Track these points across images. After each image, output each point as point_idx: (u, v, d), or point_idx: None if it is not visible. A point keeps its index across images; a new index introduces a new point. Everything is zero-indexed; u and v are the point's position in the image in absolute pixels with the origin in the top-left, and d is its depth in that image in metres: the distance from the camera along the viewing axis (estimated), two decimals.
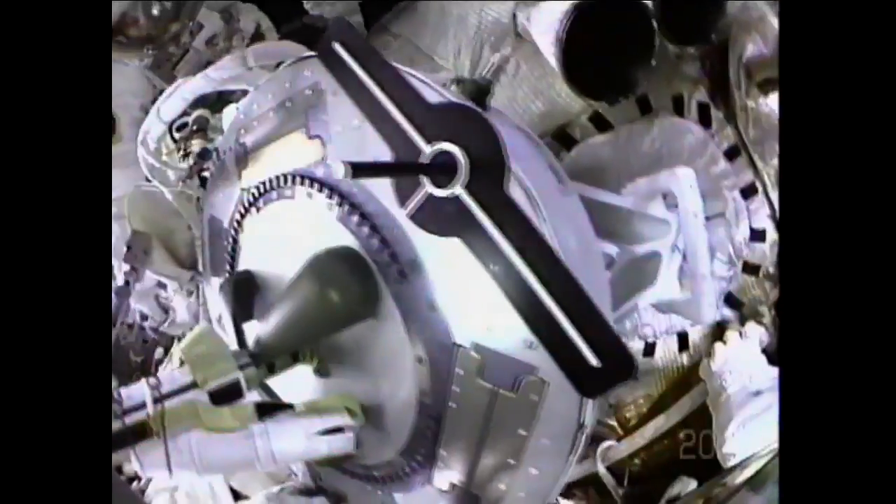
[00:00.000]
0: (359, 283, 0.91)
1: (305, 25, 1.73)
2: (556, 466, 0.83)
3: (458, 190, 0.76)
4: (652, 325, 1.39)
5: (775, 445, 1.12)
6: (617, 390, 1.41)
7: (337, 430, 0.92)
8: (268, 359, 0.94)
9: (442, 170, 0.77)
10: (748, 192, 1.45)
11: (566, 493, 1.51)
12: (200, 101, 1.10)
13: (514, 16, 1.29)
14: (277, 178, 1.01)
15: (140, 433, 0.75)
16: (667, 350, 1.42)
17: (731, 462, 1.22)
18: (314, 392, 1.02)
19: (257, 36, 1.64)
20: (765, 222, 1.45)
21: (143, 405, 0.76)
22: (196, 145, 1.07)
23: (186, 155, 1.08)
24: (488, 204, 0.75)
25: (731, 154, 1.44)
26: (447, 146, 0.77)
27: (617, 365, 0.71)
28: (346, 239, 0.93)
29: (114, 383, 0.78)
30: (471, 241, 0.77)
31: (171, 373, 0.84)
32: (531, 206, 0.77)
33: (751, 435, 1.19)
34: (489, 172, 0.75)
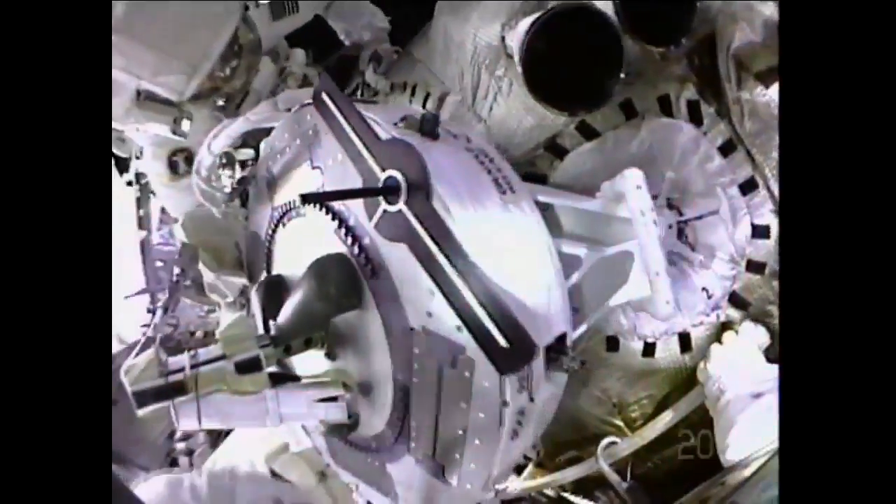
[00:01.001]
0: (347, 280, 1.14)
1: (342, 56, 2.04)
2: (492, 439, 0.99)
3: (400, 206, 0.97)
4: (651, 325, 1.44)
5: (775, 444, 1.12)
6: (617, 389, 1.49)
7: (333, 399, 1.17)
8: (283, 341, 1.20)
9: (389, 191, 0.99)
10: (747, 188, 1.44)
11: (589, 495, 1.58)
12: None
13: (503, 38, 1.43)
14: (294, 200, 1.28)
15: (179, 390, 1.04)
16: (668, 351, 1.45)
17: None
18: (319, 370, 1.27)
19: (306, 82, 1.95)
20: (768, 218, 1.44)
21: (182, 369, 1.06)
22: (225, 177, 1.38)
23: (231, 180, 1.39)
24: (421, 216, 0.95)
25: (725, 149, 1.44)
26: (392, 172, 0.98)
27: (521, 346, 0.86)
28: (339, 247, 1.17)
29: (162, 355, 1.07)
30: (413, 245, 0.98)
31: (208, 347, 1.14)
32: (448, 215, 0.95)
33: (752, 439, 1.18)
34: (420, 191, 0.95)
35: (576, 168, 1.44)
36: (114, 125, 1.60)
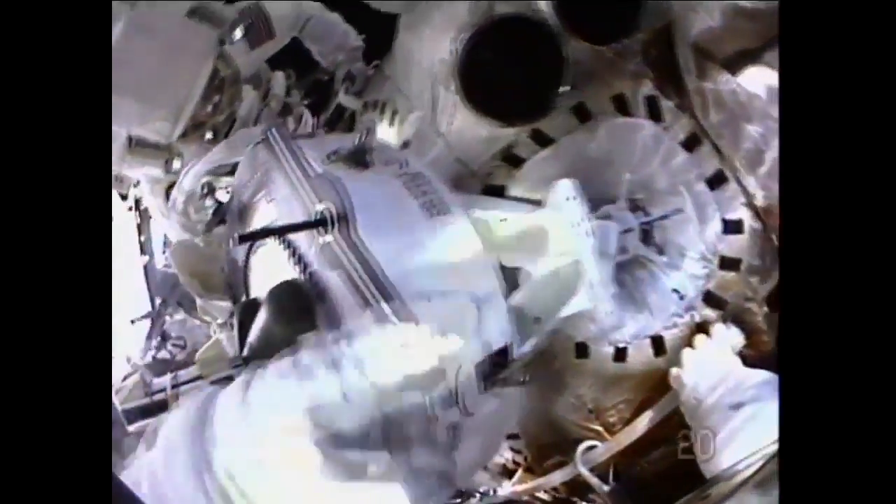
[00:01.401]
0: (300, 304, 1.21)
1: (318, 78, 2.11)
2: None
3: (329, 237, 1.03)
4: (621, 329, 1.42)
5: (767, 451, 1.10)
6: (591, 395, 1.48)
7: None
8: (254, 360, 1.30)
9: (321, 223, 1.05)
10: (715, 182, 1.39)
11: (583, 497, 1.59)
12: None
13: (454, 51, 1.45)
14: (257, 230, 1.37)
15: (162, 407, 1.16)
16: (641, 355, 1.43)
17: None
18: None
19: (286, 107, 2.03)
20: (740, 212, 1.38)
21: (164, 389, 1.17)
22: (209, 204, 1.48)
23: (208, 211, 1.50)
24: (347, 246, 1.00)
25: (690, 144, 1.40)
26: (322, 205, 1.04)
27: None
28: (293, 273, 1.24)
29: (147, 377, 1.20)
30: (344, 273, 1.03)
31: (188, 368, 1.25)
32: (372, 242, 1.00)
33: (736, 451, 1.16)
34: (345, 222, 1.00)
35: (535, 177, 1.44)
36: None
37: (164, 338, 1.98)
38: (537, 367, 1.30)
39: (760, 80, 1.46)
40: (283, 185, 1.22)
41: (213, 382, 1.22)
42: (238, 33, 1.82)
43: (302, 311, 1.21)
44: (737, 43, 1.41)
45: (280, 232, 1.11)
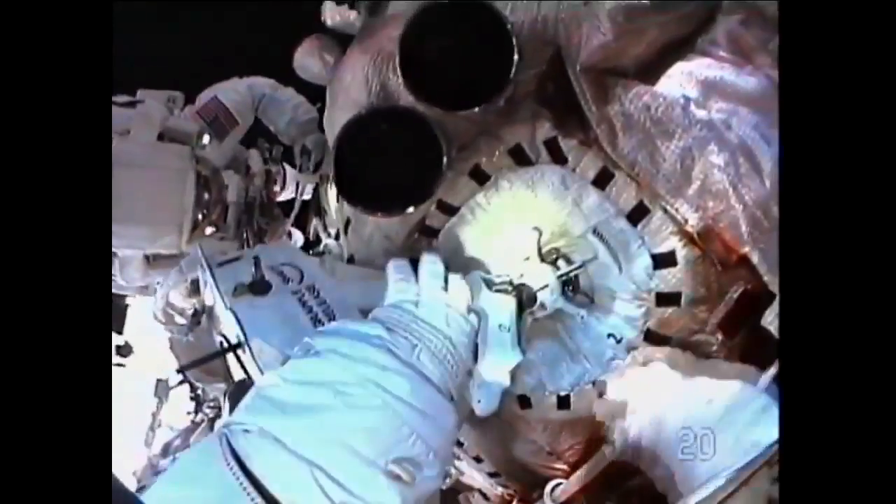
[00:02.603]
0: None
1: (286, 149, 2.25)
2: None
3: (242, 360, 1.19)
4: (560, 379, 1.39)
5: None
6: (545, 440, 1.48)
7: None
8: None
9: (238, 346, 1.21)
10: (636, 215, 1.28)
11: None
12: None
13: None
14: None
15: None
16: (585, 399, 1.38)
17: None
18: None
19: (270, 176, 2.22)
20: (671, 242, 1.26)
21: None
22: (190, 306, 1.72)
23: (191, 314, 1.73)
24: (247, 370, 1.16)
25: (600, 180, 1.30)
26: (219, 337, 1.20)
27: None
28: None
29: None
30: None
31: None
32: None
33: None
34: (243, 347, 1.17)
35: (450, 246, 1.43)
36: (134, 285, 2.04)
37: (199, 402, 2.29)
38: (484, 420, 1.34)
39: (687, 77, 1.32)
40: (215, 299, 1.39)
41: None
42: (206, 138, 2.02)
43: None
44: (643, 48, 1.28)
45: (201, 362, 1.29)
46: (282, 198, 2.45)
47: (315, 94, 2.17)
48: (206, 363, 1.32)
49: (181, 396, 2.28)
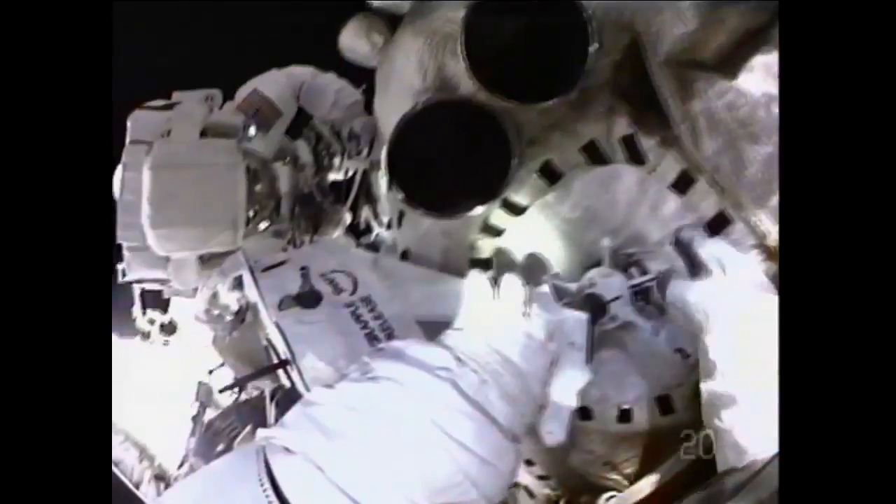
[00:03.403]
0: None
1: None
2: None
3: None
4: (623, 392, 1.33)
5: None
6: (602, 451, 1.42)
7: None
8: None
9: (286, 363, 1.17)
10: (717, 225, 1.18)
11: None
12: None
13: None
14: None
15: None
16: (647, 414, 1.33)
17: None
18: None
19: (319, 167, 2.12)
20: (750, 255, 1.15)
21: None
22: (234, 302, 1.65)
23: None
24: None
25: (681, 185, 1.19)
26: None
27: None
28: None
29: None
30: None
31: None
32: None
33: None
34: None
35: (516, 247, 1.34)
36: (189, 288, 1.94)
37: (241, 388, 2.27)
38: None
39: (766, 72, 1.17)
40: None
41: None
42: (251, 131, 1.90)
43: None
44: (725, 37, 1.14)
45: (249, 379, 1.26)
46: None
47: (356, 79, 2.05)
48: (255, 379, 1.28)
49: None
